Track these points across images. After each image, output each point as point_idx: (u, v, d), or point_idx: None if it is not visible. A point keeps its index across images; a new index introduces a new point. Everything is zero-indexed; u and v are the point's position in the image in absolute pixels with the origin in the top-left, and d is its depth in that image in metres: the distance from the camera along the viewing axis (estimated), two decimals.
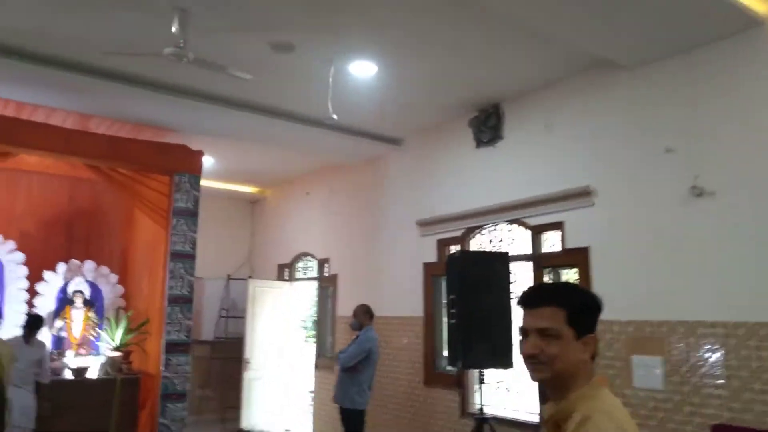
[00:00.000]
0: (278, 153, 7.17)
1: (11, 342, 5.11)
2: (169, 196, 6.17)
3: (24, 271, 6.71)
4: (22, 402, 5.09)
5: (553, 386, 1.45)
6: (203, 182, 8.05)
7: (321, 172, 7.75)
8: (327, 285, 7.44)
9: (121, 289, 7.15)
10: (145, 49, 4.14)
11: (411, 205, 6.29)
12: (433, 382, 5.63)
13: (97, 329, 6.70)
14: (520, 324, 1.49)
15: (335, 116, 4.90)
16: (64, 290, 6.85)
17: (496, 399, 5.36)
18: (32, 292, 6.70)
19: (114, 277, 7.15)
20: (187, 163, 6.25)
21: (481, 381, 4.67)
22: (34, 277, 6.73)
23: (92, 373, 6.12)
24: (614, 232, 4.43)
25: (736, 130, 3.79)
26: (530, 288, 1.57)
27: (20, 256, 6.71)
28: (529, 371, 1.46)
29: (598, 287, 4.44)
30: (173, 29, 3.84)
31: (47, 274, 6.79)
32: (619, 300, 4.26)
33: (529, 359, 1.44)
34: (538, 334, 1.43)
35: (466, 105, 5.56)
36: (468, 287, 4.49)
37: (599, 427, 1.31)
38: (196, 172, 6.30)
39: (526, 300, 1.50)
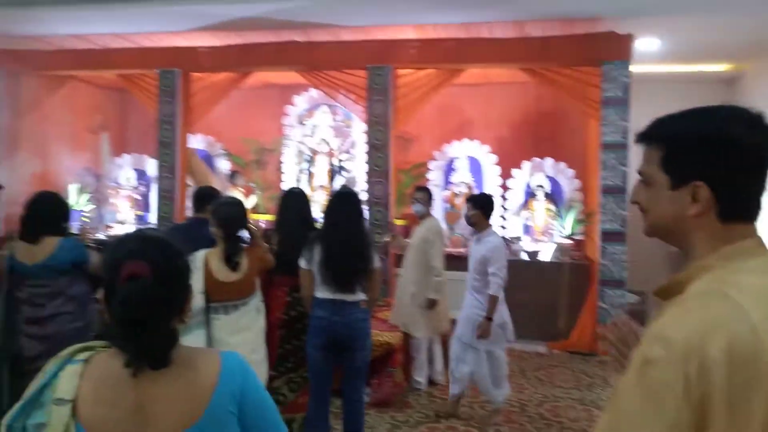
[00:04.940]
0: (750, 19, 5.94)
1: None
2: (597, 87, 6.13)
3: (497, 170, 7.91)
4: (466, 311, 4.22)
5: (673, 245, 1.14)
6: (655, 68, 7.57)
7: None
8: None
9: (577, 183, 7.57)
10: None
11: None
12: None
13: (556, 219, 7.38)
14: None
15: None
16: (528, 185, 7.76)
17: None
18: (504, 188, 7.86)
19: (570, 172, 7.61)
20: (615, 49, 6.06)
21: None
22: (506, 175, 7.85)
23: (545, 257, 6.84)
24: None
25: None
26: None
27: (494, 158, 7.92)
28: None
29: None
30: None
31: (515, 171, 7.81)
32: None
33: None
34: (640, 178, 1.16)
35: None
36: None
37: (696, 313, 0.94)
38: (624, 57, 6.05)
39: (636, 135, 1.19)
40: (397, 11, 5.98)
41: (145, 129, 8.39)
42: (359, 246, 3.24)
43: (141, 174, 8.57)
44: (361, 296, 3.27)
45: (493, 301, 4.00)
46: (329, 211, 3.32)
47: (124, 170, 8.55)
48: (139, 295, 1.18)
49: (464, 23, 6.30)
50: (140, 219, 8.37)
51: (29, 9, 5.96)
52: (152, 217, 7.88)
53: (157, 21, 6.38)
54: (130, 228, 8.16)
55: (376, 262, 3.32)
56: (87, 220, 7.92)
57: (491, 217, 4.28)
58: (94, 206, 8.26)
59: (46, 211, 3.14)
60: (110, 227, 8.13)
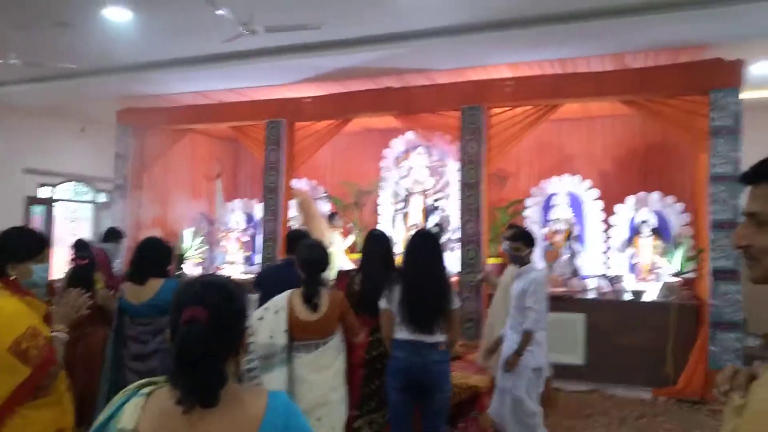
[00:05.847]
0: None
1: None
2: (705, 116, 5.79)
3: (600, 205, 7.60)
4: (504, 351, 3.95)
5: None
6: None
7: None
8: None
9: (686, 217, 7.11)
10: None
11: None
12: None
13: (664, 256, 6.94)
14: None
15: None
16: (633, 220, 7.39)
17: None
18: (607, 224, 7.53)
19: (679, 207, 7.17)
20: (724, 76, 5.72)
21: None
22: (609, 210, 7.53)
23: (651, 297, 6.44)
24: None
25: None
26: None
27: (595, 192, 7.64)
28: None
29: None
30: None
31: (618, 207, 7.47)
32: None
33: (741, 252, 1.16)
34: (749, 220, 1.14)
35: None
36: None
37: None
38: (734, 84, 5.68)
39: (743, 174, 1.18)
40: (492, 52, 6.02)
41: (254, 176, 8.97)
42: (438, 286, 3.27)
43: (249, 218, 9.12)
44: (440, 338, 3.27)
45: (526, 336, 3.74)
46: (408, 251, 3.38)
47: (235, 214, 9.14)
48: (194, 338, 1.30)
49: (560, 59, 6.22)
50: (248, 260, 8.87)
51: (153, 72, 6.66)
52: (257, 258, 8.33)
53: (265, 75, 6.89)
54: (238, 268, 8.68)
55: (456, 303, 3.32)
56: (199, 261, 8.52)
57: (533, 251, 4.09)
58: (207, 248, 8.88)
59: (152, 256, 3.45)
60: (220, 268, 8.70)
